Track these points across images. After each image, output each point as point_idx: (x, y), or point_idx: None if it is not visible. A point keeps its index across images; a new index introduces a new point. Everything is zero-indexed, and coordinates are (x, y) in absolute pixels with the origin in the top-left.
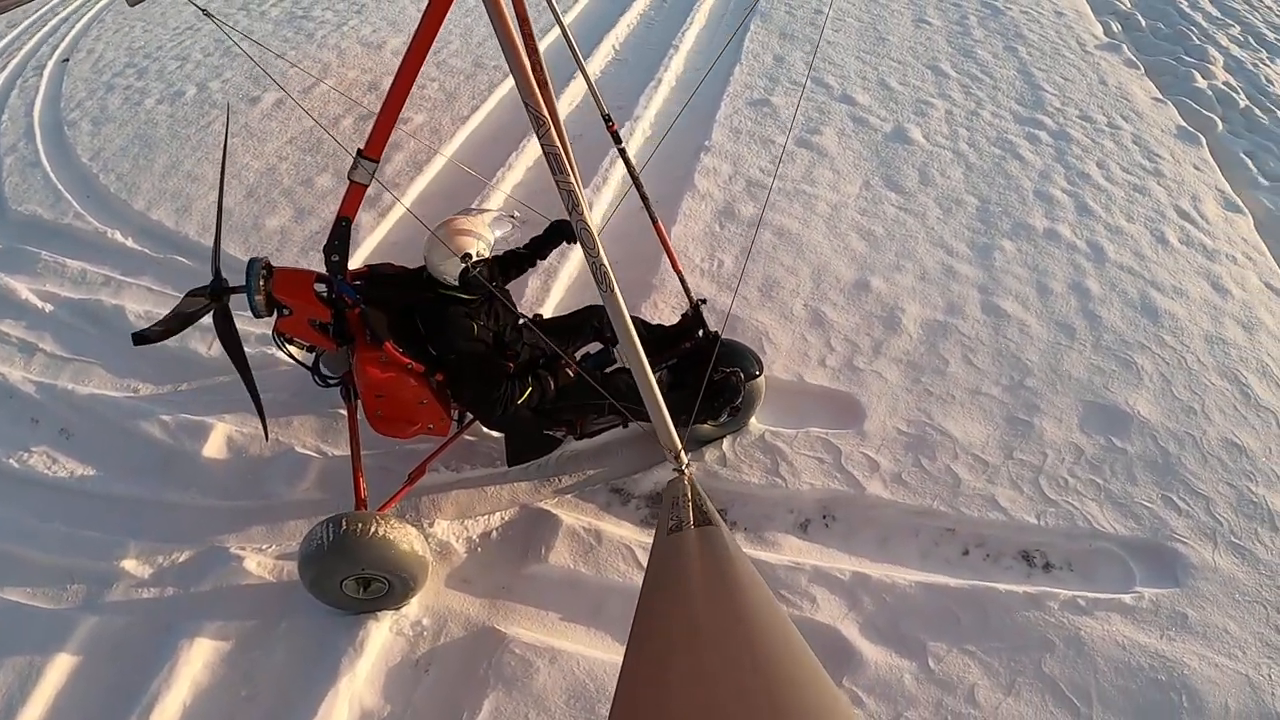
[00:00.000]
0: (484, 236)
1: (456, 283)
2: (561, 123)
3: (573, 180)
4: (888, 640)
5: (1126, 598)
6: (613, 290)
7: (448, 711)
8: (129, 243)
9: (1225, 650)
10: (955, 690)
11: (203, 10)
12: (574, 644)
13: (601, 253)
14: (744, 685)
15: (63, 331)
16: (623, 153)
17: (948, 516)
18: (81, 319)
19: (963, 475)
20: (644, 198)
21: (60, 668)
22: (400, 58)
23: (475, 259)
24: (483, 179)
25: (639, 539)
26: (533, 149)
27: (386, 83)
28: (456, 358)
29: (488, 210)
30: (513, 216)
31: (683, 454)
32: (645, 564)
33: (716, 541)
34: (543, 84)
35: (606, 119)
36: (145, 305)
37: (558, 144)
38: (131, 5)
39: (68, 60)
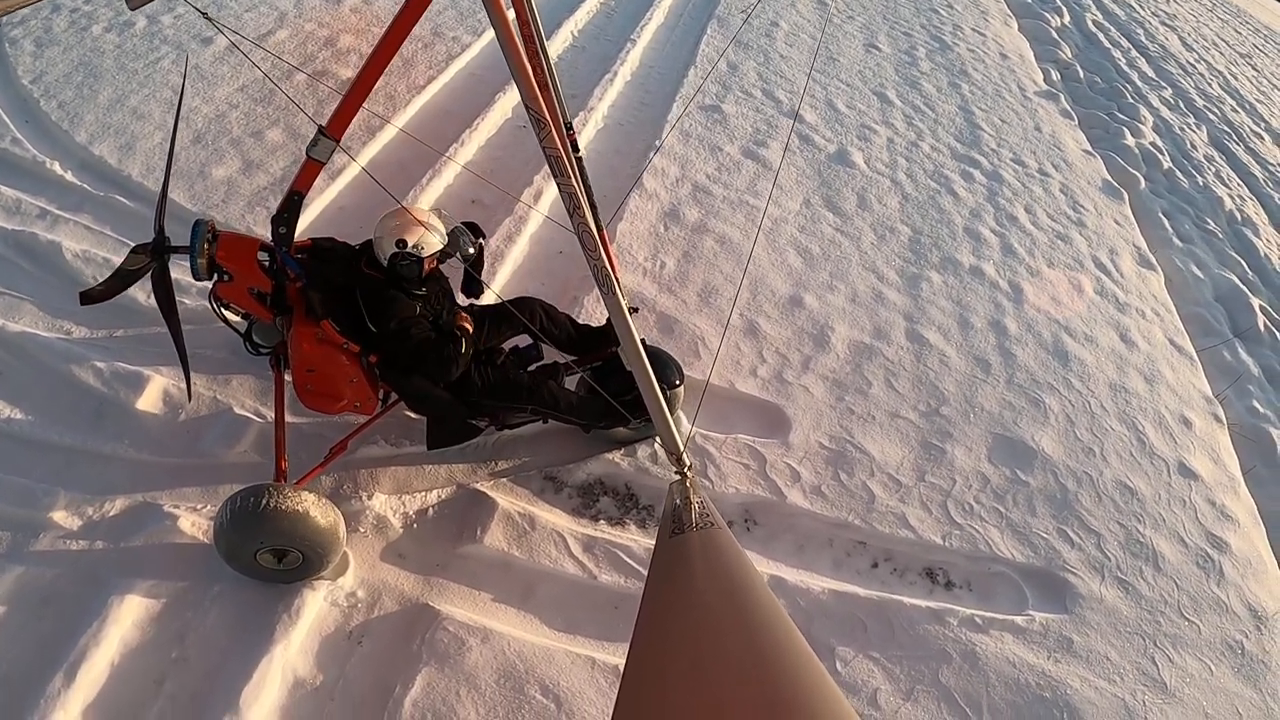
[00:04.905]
0: (431, 235)
1: (385, 263)
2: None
3: (574, 183)
4: None
5: (1019, 619)
6: (614, 292)
7: (380, 684)
8: (68, 176)
9: (1105, 675)
10: (859, 693)
11: (203, 14)
12: (505, 625)
13: (603, 255)
14: (746, 684)
15: None
16: (579, 161)
17: (861, 530)
18: (14, 251)
19: (877, 492)
20: (593, 206)
21: None
22: (359, 16)
23: (410, 249)
24: (436, 150)
25: (570, 527)
26: (487, 127)
27: (343, 40)
28: (399, 334)
29: (458, 225)
30: (475, 240)
31: (684, 456)
32: (576, 554)
33: (719, 543)
34: (544, 85)
35: (568, 127)
36: (83, 244)
37: (559, 147)
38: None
39: None
